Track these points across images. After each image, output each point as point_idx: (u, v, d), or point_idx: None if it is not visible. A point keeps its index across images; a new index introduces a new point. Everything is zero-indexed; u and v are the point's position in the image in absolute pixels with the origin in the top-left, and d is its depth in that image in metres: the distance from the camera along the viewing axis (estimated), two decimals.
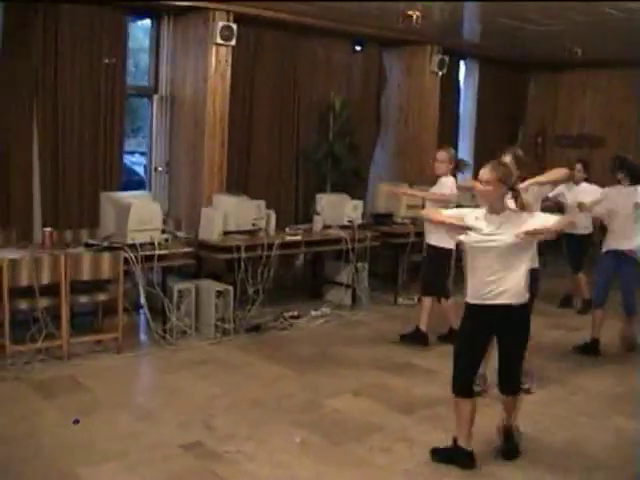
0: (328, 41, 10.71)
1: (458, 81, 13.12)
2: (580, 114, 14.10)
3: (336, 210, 9.29)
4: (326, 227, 9.23)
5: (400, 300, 9.65)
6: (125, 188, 9.11)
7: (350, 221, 9.24)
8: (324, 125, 10.50)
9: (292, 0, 8.63)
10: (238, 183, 9.48)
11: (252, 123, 9.90)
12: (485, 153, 10.81)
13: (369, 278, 9.52)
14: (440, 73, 11.51)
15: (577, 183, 9.40)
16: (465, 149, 13.17)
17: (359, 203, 9.47)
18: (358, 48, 11.30)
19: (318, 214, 9.24)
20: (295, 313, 8.72)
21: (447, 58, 11.51)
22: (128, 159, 13.61)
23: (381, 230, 9.63)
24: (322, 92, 10.62)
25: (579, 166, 9.51)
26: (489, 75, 13.44)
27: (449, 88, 12.42)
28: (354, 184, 10.51)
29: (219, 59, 8.82)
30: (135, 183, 12.05)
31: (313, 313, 8.89)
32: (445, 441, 5.21)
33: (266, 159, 10.11)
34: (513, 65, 13.66)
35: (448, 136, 12.16)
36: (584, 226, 9.30)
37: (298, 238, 8.75)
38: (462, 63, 13.15)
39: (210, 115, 8.85)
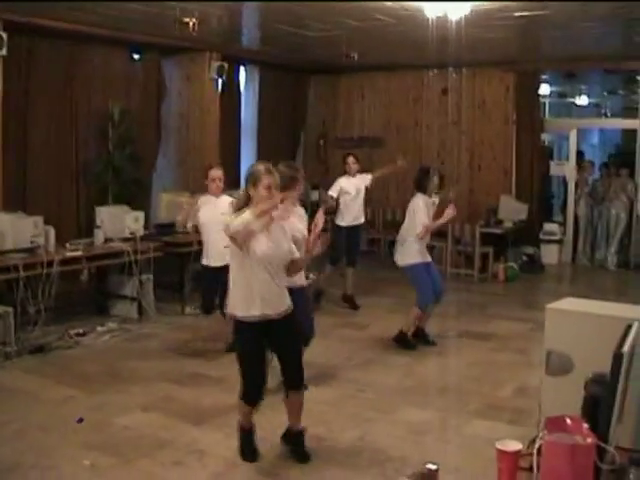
0: (105, 49, 10.58)
1: (239, 87, 13.24)
2: (359, 116, 14.65)
3: (117, 222, 9.12)
4: (108, 240, 9.06)
5: (187, 310, 9.57)
6: None
7: (132, 233, 9.09)
8: (103, 136, 10.33)
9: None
10: (16, 200, 9.13)
11: (28, 136, 9.61)
12: (268, 158, 11.00)
13: (156, 289, 9.43)
14: (220, 80, 11.61)
15: (353, 175, 9.79)
16: (248, 154, 13.32)
17: (140, 214, 9.32)
18: (136, 56, 11.19)
19: (98, 227, 9.06)
20: (81, 330, 8.51)
21: (226, 65, 11.60)
22: None
23: (164, 240, 9.56)
24: (100, 102, 10.47)
25: (351, 159, 9.83)
26: (270, 80, 13.71)
27: (230, 94, 12.54)
28: (136, 195, 10.40)
29: None
30: None
31: (99, 329, 8.70)
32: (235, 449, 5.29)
33: (44, 173, 9.84)
34: (293, 70, 13.98)
35: (231, 142, 12.26)
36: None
37: (79, 253, 8.56)
38: (243, 69, 13.29)
39: None
